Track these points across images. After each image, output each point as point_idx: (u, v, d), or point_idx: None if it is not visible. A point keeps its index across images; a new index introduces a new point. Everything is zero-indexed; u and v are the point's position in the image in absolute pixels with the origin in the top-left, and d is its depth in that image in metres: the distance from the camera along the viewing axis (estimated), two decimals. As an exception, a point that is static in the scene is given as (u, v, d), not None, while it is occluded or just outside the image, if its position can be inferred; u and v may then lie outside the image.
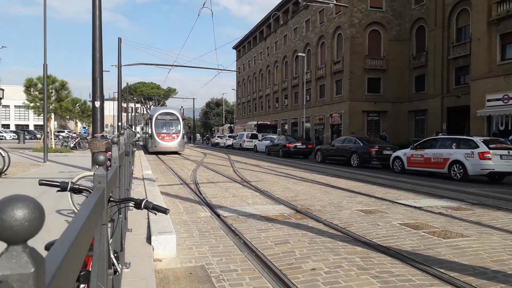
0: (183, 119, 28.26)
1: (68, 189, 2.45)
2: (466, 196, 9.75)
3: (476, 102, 24.87)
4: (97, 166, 1.80)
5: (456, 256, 4.77)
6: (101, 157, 1.79)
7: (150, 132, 27.24)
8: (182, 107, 56.00)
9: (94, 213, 1.32)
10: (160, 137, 26.09)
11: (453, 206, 8.34)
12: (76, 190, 2.55)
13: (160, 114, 27.14)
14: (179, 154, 27.39)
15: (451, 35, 31.27)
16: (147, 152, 27.57)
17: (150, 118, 27.48)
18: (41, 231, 0.58)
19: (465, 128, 27.16)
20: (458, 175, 13.54)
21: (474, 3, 25.54)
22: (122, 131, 4.58)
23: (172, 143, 26.32)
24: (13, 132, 54.00)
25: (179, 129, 27.07)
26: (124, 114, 55.33)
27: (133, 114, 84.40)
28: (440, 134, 22.59)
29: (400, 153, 16.58)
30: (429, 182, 12.67)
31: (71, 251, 0.81)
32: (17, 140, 37.68)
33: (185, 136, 39.10)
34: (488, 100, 24.11)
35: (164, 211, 2.36)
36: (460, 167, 13.49)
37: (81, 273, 1.80)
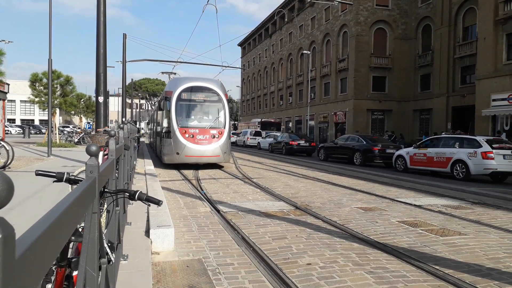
0: (228, 101, 15.44)
1: (64, 179, 2.50)
2: (467, 195, 9.74)
3: (481, 102, 24.74)
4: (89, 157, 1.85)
5: (452, 254, 4.79)
6: (93, 148, 1.84)
7: (166, 125, 14.61)
8: None
9: (81, 201, 1.36)
10: (186, 136, 13.78)
11: (453, 204, 8.34)
12: (72, 181, 2.59)
13: (185, 91, 14.42)
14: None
15: (458, 34, 31.09)
16: (160, 163, 15.63)
17: (167, 99, 14.63)
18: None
19: (469, 127, 27.04)
20: (460, 174, 13.51)
21: (481, 2, 25.37)
22: (122, 125, 4.63)
23: (209, 147, 13.93)
24: (19, 126, 54.43)
25: (222, 119, 14.55)
26: (128, 110, 55.59)
27: (137, 110, 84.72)
28: (443, 133, 22.51)
29: (402, 152, 16.54)
30: (431, 181, 12.66)
31: (48, 232, 0.86)
32: (22, 135, 38.00)
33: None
34: (493, 100, 23.99)
35: (157, 202, 2.40)
36: (463, 166, 13.45)
37: (73, 259, 1.85)
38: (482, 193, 10.06)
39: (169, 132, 14.19)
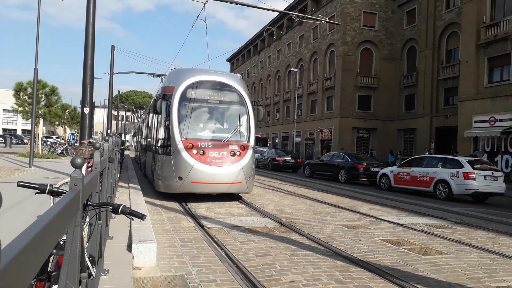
0: (253, 103, 11.44)
1: (47, 191, 2.47)
2: (449, 215, 9.87)
3: (463, 123, 25.31)
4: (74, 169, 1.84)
5: (434, 273, 4.83)
6: (78, 160, 1.83)
7: (163, 136, 10.68)
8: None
9: (64, 214, 1.35)
10: (194, 152, 9.78)
11: (436, 224, 8.44)
12: (55, 193, 2.56)
13: (193, 87, 10.48)
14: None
15: (441, 56, 31.93)
16: (151, 190, 11.44)
17: (166, 98, 10.53)
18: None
19: (451, 148, 27.55)
20: (443, 194, 13.70)
21: (464, 26, 26.21)
22: (107, 138, 4.60)
23: (228, 170, 9.85)
24: (0, 136, 53.31)
25: (245, 129, 10.77)
26: (114, 122, 55.14)
27: (123, 122, 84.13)
28: (427, 152, 22.89)
29: (387, 170, 16.73)
30: (414, 200, 12.79)
31: (31, 244, 0.85)
32: (4, 145, 37.24)
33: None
34: (475, 122, 24.59)
35: (141, 216, 2.39)
36: (445, 186, 13.66)
37: (53, 273, 1.82)
38: (464, 213, 10.21)
39: (167, 146, 10.02)
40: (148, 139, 15.06)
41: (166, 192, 10.12)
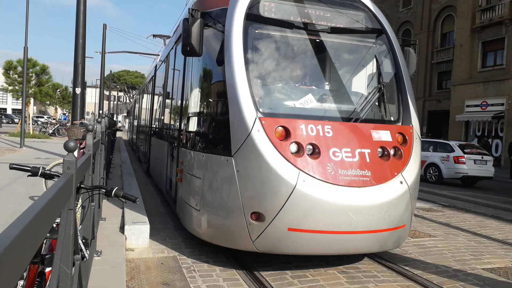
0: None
1: (39, 174, 2.46)
2: (438, 198, 10.03)
3: (455, 107, 25.45)
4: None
5: (422, 255, 4.95)
6: (71, 144, 1.82)
7: (200, 108, 4.65)
8: None
9: (58, 198, 1.36)
10: (293, 150, 3.70)
11: (425, 207, 8.58)
12: (47, 176, 2.56)
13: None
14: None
15: (436, 40, 31.82)
16: (175, 223, 5.74)
17: (208, 20, 4.29)
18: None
19: (443, 132, 27.78)
20: (433, 177, 13.88)
21: (460, 9, 26.07)
22: (99, 119, 4.57)
23: (378, 196, 3.75)
24: (-10, 115, 52.59)
25: (392, 93, 4.66)
26: (106, 102, 54.67)
27: (115, 102, 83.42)
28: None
29: (379, 153, 16.86)
30: (405, 183, 12.94)
31: (26, 231, 0.86)
32: (-6, 124, 36.79)
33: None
34: (467, 106, 24.73)
35: (134, 200, 2.40)
36: (436, 170, 13.83)
37: (46, 256, 1.83)
38: (453, 197, 10.38)
39: (218, 134, 4.35)
40: (158, 116, 9.01)
41: (217, 244, 4.40)
